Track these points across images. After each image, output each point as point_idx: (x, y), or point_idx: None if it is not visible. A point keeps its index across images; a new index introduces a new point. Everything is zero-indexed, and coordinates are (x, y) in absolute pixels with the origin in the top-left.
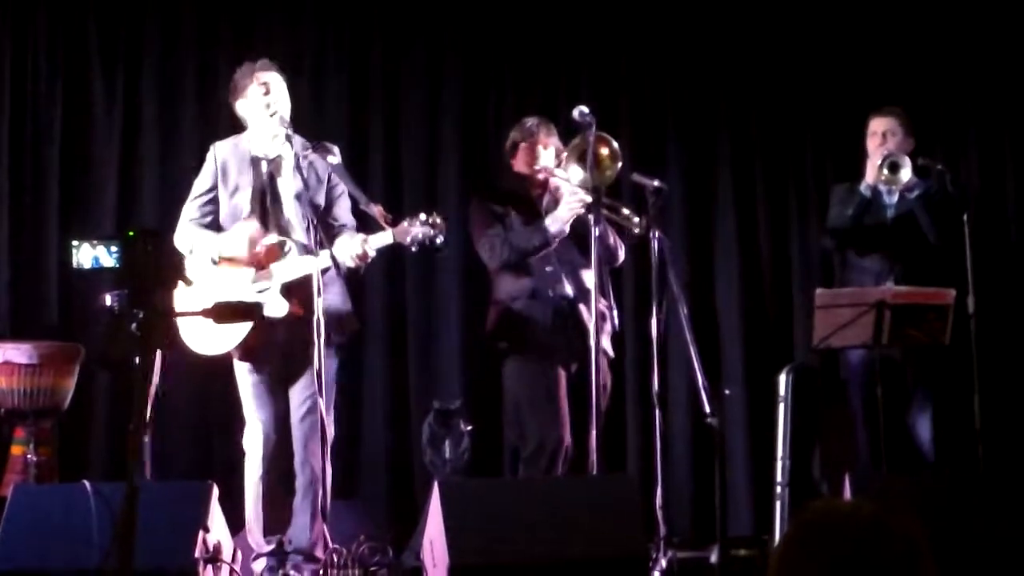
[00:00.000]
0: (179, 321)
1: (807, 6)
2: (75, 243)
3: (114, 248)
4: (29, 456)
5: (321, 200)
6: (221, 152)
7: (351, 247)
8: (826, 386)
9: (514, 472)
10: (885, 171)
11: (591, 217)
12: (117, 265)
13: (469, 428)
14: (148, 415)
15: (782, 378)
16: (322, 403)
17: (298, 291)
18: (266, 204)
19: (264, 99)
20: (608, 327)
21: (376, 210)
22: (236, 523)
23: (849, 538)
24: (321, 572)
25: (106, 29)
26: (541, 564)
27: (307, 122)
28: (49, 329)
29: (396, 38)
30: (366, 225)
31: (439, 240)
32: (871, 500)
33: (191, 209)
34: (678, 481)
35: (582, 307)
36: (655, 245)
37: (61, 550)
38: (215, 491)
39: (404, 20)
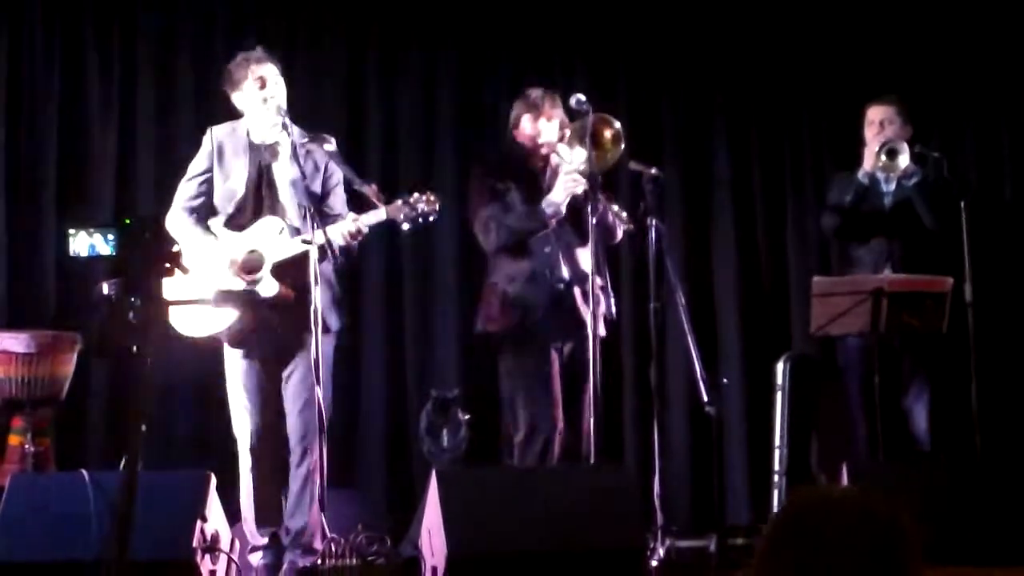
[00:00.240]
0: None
1: None
2: (71, 231)
3: (111, 236)
4: (26, 445)
5: (318, 188)
6: (218, 135)
7: (342, 225)
8: (824, 374)
9: (508, 457)
10: (883, 158)
11: (589, 205)
12: (113, 253)
13: (467, 417)
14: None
15: (780, 367)
16: (319, 391)
17: (289, 272)
18: (261, 189)
19: (260, 93)
20: (603, 308)
21: (370, 189)
22: (234, 512)
23: (833, 523)
24: (319, 562)
25: (102, 21)
26: (539, 553)
27: (303, 111)
28: (46, 318)
29: (392, 26)
30: (360, 206)
31: (432, 218)
32: (862, 486)
33: (186, 189)
34: (676, 470)
35: (577, 290)
36: (652, 234)
37: (59, 540)
38: (213, 480)
39: (401, 5)
